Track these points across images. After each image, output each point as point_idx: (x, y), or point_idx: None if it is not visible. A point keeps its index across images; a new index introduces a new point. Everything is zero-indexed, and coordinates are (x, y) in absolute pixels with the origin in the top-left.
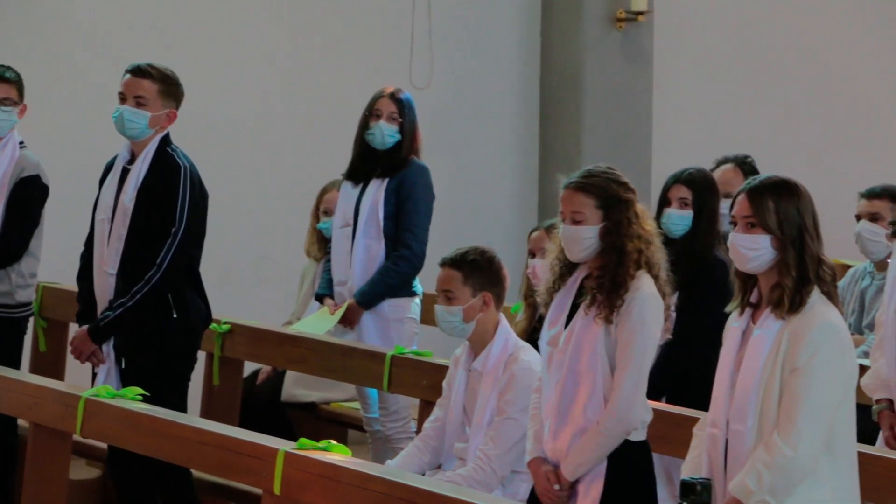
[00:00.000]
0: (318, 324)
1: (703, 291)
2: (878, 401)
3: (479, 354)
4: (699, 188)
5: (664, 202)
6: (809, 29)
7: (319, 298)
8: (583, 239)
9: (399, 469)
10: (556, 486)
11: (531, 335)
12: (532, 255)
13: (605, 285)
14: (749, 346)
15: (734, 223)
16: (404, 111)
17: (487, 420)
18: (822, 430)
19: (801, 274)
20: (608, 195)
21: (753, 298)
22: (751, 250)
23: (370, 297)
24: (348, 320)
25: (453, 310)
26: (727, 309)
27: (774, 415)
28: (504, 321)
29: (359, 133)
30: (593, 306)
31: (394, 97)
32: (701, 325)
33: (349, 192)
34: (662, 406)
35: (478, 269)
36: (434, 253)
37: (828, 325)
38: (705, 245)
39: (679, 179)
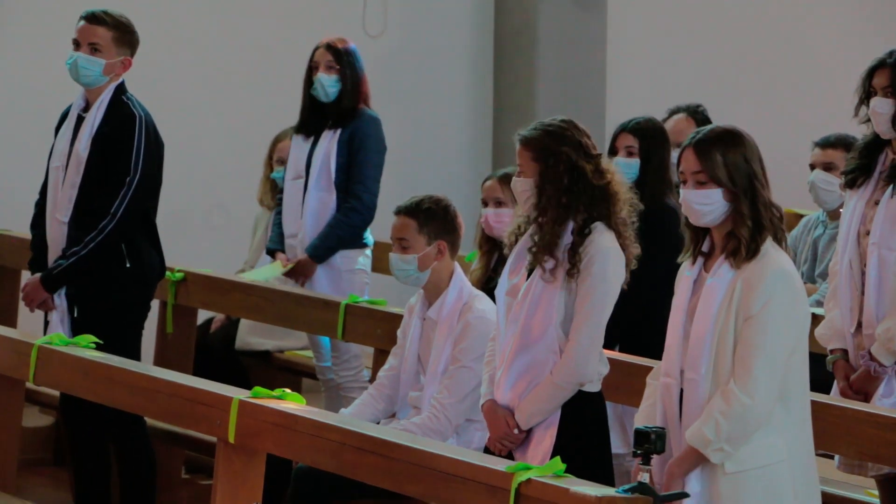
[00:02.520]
0: (270, 273)
1: (654, 240)
2: (832, 350)
3: (434, 303)
4: (646, 136)
5: (612, 151)
6: None
7: (271, 253)
8: (520, 192)
9: (354, 418)
10: (515, 430)
11: (486, 284)
12: (485, 203)
13: (536, 241)
14: (702, 294)
15: (684, 180)
16: (342, 59)
17: (442, 368)
18: (777, 378)
19: (756, 222)
20: (542, 148)
21: (705, 248)
22: (703, 205)
23: (322, 250)
24: (302, 275)
25: (408, 258)
26: (679, 260)
27: (729, 363)
28: (459, 270)
29: (304, 87)
30: (534, 262)
31: (329, 47)
32: (652, 274)
33: (300, 144)
34: (616, 355)
35: (433, 217)
36: (387, 203)
37: (781, 272)
38: (654, 193)
39: (626, 128)
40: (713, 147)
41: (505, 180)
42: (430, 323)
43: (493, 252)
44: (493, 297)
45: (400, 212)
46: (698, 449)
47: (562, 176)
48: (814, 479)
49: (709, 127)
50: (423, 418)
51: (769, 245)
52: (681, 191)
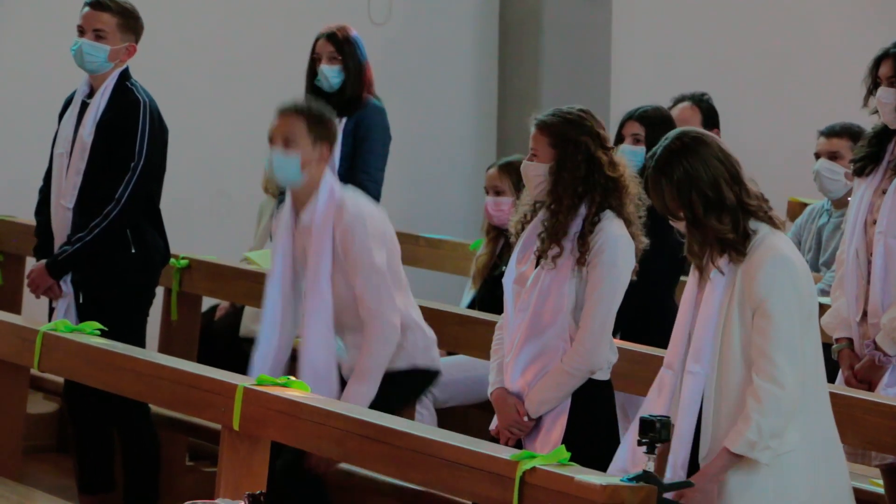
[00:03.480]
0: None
1: (659, 232)
2: (838, 339)
3: (306, 207)
4: (652, 124)
5: (619, 139)
6: None
7: None
8: (532, 176)
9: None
10: (525, 418)
11: (492, 271)
12: (486, 192)
13: (547, 227)
14: (707, 287)
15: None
16: (344, 49)
17: (324, 275)
18: (797, 361)
19: (732, 225)
20: (561, 134)
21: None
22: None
23: None
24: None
25: (291, 157)
26: (684, 252)
27: (735, 354)
28: (329, 173)
29: (307, 77)
30: (541, 247)
31: (331, 37)
32: (656, 265)
33: None
34: (623, 343)
35: (320, 121)
36: (392, 192)
37: (779, 257)
38: None
39: (633, 116)
40: (658, 179)
41: (505, 169)
42: (303, 229)
43: (499, 239)
44: (499, 285)
45: (288, 111)
46: (740, 453)
47: (579, 164)
48: (839, 467)
49: (655, 151)
50: (367, 341)
51: (766, 231)
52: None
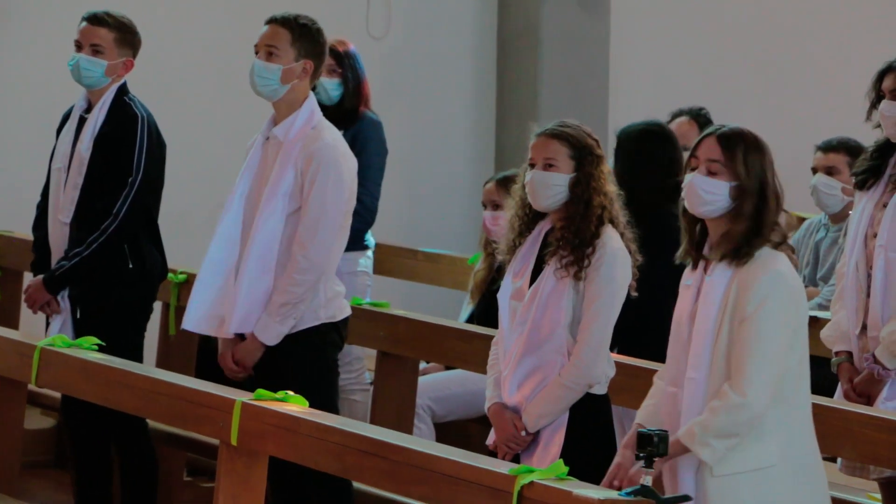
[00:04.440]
0: None
1: (654, 243)
2: (837, 353)
3: (282, 123)
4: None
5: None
6: None
7: None
8: (552, 185)
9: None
10: (523, 433)
11: (490, 285)
12: (484, 206)
13: (568, 237)
14: (702, 294)
15: (694, 167)
16: (343, 62)
17: (283, 190)
18: (772, 379)
19: (755, 226)
20: (582, 146)
21: (705, 251)
22: (708, 193)
23: None
24: None
25: (273, 67)
26: (676, 259)
27: (723, 365)
28: (313, 96)
29: None
30: (555, 259)
31: (331, 51)
32: (652, 278)
33: None
34: (620, 357)
35: (307, 34)
36: (389, 205)
37: (775, 273)
38: (656, 198)
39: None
40: (738, 143)
41: (503, 184)
42: (274, 142)
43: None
44: (495, 300)
45: (275, 20)
46: (684, 443)
47: (596, 177)
48: (820, 484)
49: (735, 124)
50: (288, 274)
51: (767, 250)
52: (686, 177)
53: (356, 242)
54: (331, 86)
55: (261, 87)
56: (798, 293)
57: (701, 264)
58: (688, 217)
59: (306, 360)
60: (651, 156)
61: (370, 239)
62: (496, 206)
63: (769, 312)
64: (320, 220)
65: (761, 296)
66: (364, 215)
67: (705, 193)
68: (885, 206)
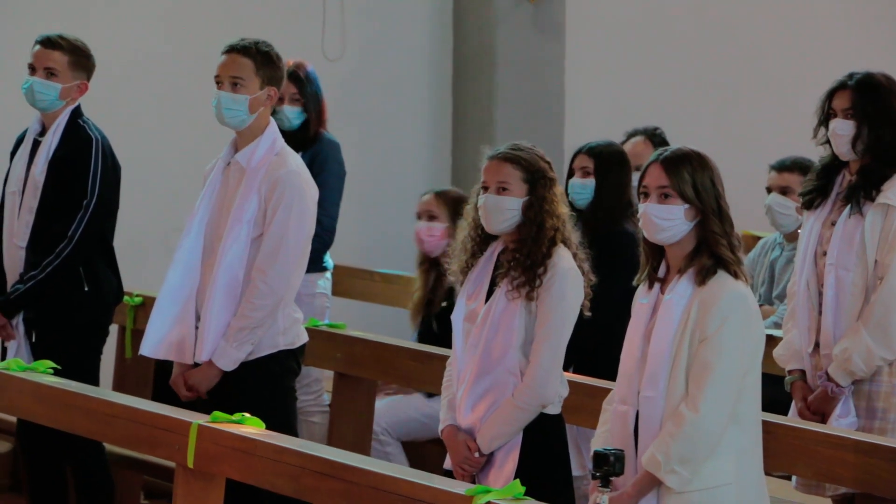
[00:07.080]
0: None
1: (611, 263)
2: (790, 371)
3: (244, 150)
4: (602, 158)
5: (570, 173)
6: (719, 0)
7: None
8: (506, 210)
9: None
10: (476, 454)
11: (427, 306)
12: (419, 217)
13: (520, 259)
14: (660, 312)
15: (645, 194)
16: (304, 88)
17: (247, 217)
18: (729, 399)
19: (716, 241)
20: (535, 169)
21: (661, 273)
22: (664, 220)
23: None
24: None
25: (240, 98)
26: (634, 282)
27: (682, 384)
28: (274, 122)
29: None
30: (506, 281)
31: (291, 77)
32: (609, 297)
33: None
34: (575, 377)
35: (269, 61)
36: (347, 226)
37: (736, 294)
38: (609, 216)
39: (582, 150)
40: (682, 164)
41: (442, 197)
42: (236, 168)
43: (432, 271)
44: (432, 322)
45: (236, 50)
46: (650, 471)
47: (549, 199)
48: (767, 502)
49: (677, 146)
50: (246, 299)
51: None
52: (640, 206)
53: (315, 264)
54: (293, 114)
55: (228, 118)
56: (756, 313)
57: (657, 286)
58: (648, 244)
59: (264, 386)
60: (604, 177)
61: (329, 260)
62: (431, 218)
63: (729, 333)
64: (281, 245)
65: (721, 316)
66: (323, 236)
67: (661, 220)
68: (833, 224)
